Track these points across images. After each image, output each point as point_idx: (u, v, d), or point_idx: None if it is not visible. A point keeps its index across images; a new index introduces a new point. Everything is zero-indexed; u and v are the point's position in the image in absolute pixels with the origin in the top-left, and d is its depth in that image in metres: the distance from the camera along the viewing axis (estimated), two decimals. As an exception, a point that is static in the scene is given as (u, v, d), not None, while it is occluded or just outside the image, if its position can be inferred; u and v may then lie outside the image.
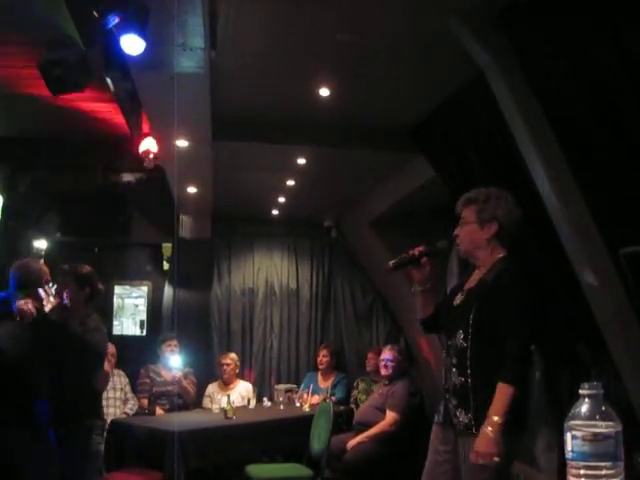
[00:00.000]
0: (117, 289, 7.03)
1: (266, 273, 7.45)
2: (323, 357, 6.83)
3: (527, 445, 4.73)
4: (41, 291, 3.25)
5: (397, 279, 5.68)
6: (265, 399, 6.47)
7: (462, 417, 2.52)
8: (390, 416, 5.44)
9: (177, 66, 3.31)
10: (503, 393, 2.38)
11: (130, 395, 5.93)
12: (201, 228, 7.03)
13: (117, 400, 5.80)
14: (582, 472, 1.32)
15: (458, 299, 2.71)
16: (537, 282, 2.77)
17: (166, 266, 7.20)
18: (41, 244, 6.30)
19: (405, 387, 5.61)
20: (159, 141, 4.62)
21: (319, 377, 6.84)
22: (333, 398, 6.27)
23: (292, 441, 5.55)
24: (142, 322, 7.03)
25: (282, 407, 6.25)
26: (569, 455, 1.34)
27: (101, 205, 6.31)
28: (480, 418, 2.44)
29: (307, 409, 6.02)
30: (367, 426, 5.49)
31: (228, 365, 6.42)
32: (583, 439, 1.31)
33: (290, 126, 4.61)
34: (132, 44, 2.82)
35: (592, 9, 2.60)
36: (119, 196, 6.38)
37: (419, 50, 3.47)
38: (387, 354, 5.78)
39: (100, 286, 3.75)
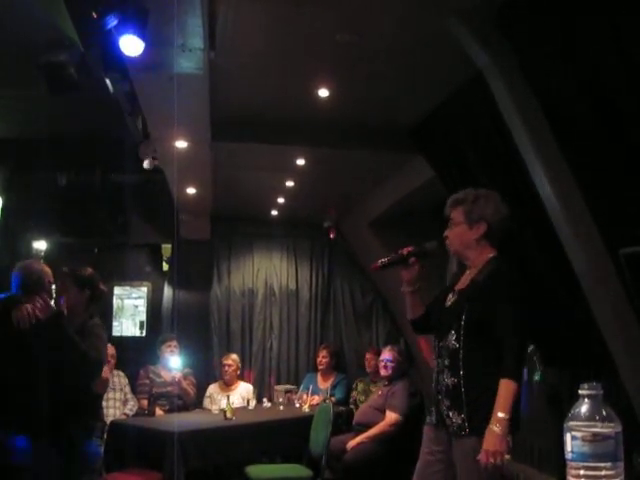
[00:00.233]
0: (117, 290, 7.04)
1: (266, 274, 7.45)
2: (323, 358, 6.83)
3: (527, 445, 4.73)
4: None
5: (397, 279, 5.67)
6: (265, 400, 6.48)
7: (455, 418, 2.53)
8: (390, 417, 5.44)
9: (176, 67, 3.31)
10: (507, 389, 2.38)
11: (130, 396, 5.93)
12: (201, 229, 7.03)
13: (117, 401, 5.80)
14: (582, 472, 1.32)
15: (449, 300, 2.73)
16: (527, 281, 2.78)
17: (166, 267, 7.20)
18: (41, 245, 6.30)
19: (405, 388, 5.60)
20: (159, 142, 4.62)
21: (319, 378, 6.84)
22: (333, 399, 6.27)
23: (292, 442, 5.54)
24: (142, 323, 7.04)
25: (282, 408, 6.24)
26: (569, 455, 1.35)
27: (101, 206, 6.30)
28: (473, 419, 2.45)
29: (307, 410, 6.02)
30: (367, 427, 5.49)
31: (230, 366, 6.42)
32: (583, 439, 1.32)
33: (289, 127, 4.61)
34: (131, 45, 2.82)
35: (592, 9, 2.60)
36: (119, 197, 6.38)
37: (418, 50, 3.47)
38: (387, 355, 5.78)
39: (102, 288, 3.72)
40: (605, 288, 3.04)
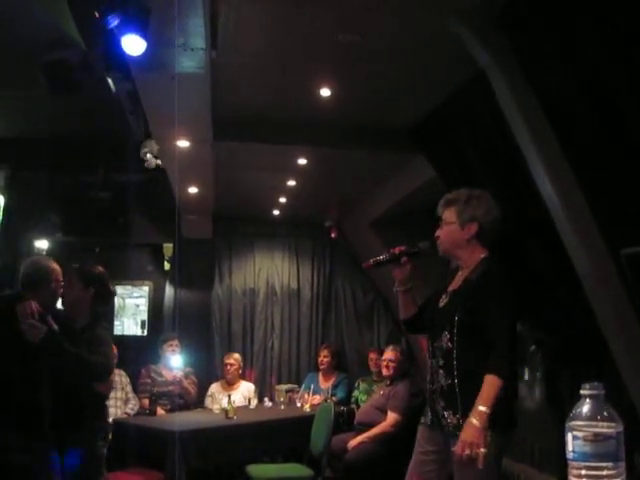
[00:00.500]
0: (118, 289, 7.02)
1: (267, 273, 7.45)
2: (324, 357, 6.83)
3: (528, 445, 4.73)
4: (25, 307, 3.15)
5: (414, 277, 5.67)
6: (266, 399, 6.49)
7: (450, 418, 2.55)
8: (391, 417, 5.44)
9: (178, 66, 3.30)
10: (490, 384, 2.40)
11: (131, 395, 5.93)
12: (202, 228, 7.03)
13: (118, 400, 5.80)
14: (583, 472, 1.32)
15: (442, 301, 2.75)
16: (528, 280, 2.80)
17: (167, 266, 7.21)
18: (42, 244, 6.31)
19: (407, 388, 5.61)
20: (160, 141, 4.62)
21: (320, 377, 6.84)
22: (334, 398, 6.28)
23: (293, 441, 5.55)
24: (143, 322, 7.04)
25: (283, 407, 6.25)
26: (570, 455, 1.35)
27: (102, 205, 6.31)
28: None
29: (308, 409, 6.03)
30: (368, 426, 5.50)
31: (232, 365, 6.43)
32: (584, 439, 1.32)
33: (291, 126, 4.61)
34: (133, 44, 2.82)
35: (592, 9, 2.60)
36: (120, 196, 6.39)
37: (419, 50, 3.47)
38: (389, 354, 5.79)
39: (111, 288, 3.69)
40: (606, 288, 3.04)
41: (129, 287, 7.10)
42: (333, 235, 7.22)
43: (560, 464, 3.80)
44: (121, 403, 5.84)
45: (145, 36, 2.78)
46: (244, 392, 6.41)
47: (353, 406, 6.34)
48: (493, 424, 2.38)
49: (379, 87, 4.00)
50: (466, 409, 2.46)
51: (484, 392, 2.39)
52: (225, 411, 5.46)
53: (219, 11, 3.15)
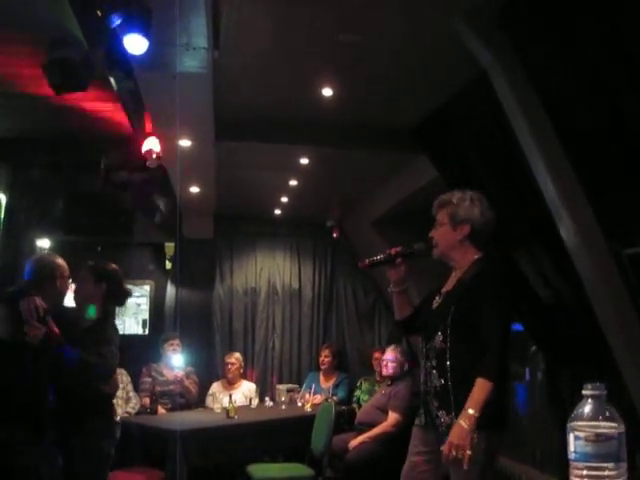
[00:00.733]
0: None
1: (268, 273, 7.45)
2: (325, 357, 6.83)
3: (529, 445, 4.73)
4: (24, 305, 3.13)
5: (408, 278, 5.67)
6: (267, 399, 6.49)
7: (444, 418, 2.56)
8: (392, 417, 5.44)
9: (180, 66, 3.30)
10: (481, 388, 2.41)
11: (132, 394, 5.93)
12: (204, 228, 7.04)
13: (119, 399, 5.80)
14: (585, 473, 1.32)
15: (436, 302, 2.76)
16: (511, 281, 2.82)
17: (169, 265, 7.20)
18: (44, 243, 6.31)
19: (408, 388, 5.60)
20: (162, 141, 4.62)
21: (321, 377, 6.84)
22: (335, 398, 6.27)
23: (294, 441, 5.55)
24: (144, 321, 7.04)
25: (284, 407, 6.26)
26: (572, 456, 1.35)
27: (104, 204, 6.30)
28: None
29: (309, 409, 6.03)
30: (369, 426, 5.50)
31: (233, 364, 6.43)
32: (586, 440, 1.32)
33: (293, 126, 4.61)
34: (135, 43, 2.82)
35: (593, 8, 2.60)
36: (122, 195, 6.38)
37: (421, 50, 3.47)
38: (389, 354, 5.79)
39: (123, 286, 3.64)
40: (608, 288, 3.04)
41: (130, 286, 7.06)
42: (335, 235, 7.21)
43: (561, 465, 3.80)
44: (122, 402, 5.83)
45: (147, 35, 2.78)
46: (245, 391, 6.41)
47: (354, 406, 6.34)
48: (483, 425, 2.39)
49: (381, 87, 4.00)
50: (459, 409, 2.47)
51: (474, 395, 2.41)
52: (226, 410, 5.47)
53: (221, 11, 3.15)
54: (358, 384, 6.61)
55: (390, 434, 5.37)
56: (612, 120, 2.75)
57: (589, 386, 1.36)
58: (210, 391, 6.45)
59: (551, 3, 2.80)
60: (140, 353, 6.34)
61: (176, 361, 6.01)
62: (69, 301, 3.72)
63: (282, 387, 6.71)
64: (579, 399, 1.38)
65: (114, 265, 3.66)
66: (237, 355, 6.57)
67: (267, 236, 7.49)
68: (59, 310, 3.39)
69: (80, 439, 3.27)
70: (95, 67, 3.34)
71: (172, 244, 7.02)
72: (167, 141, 4.58)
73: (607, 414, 1.33)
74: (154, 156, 4.89)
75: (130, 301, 7.00)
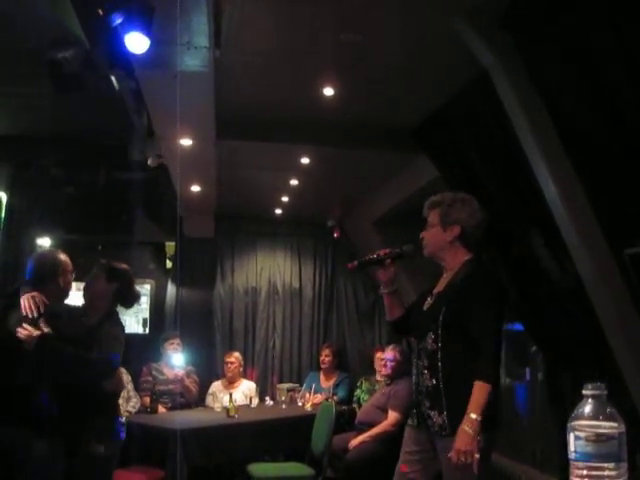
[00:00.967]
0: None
1: (269, 272, 7.45)
2: (325, 356, 6.83)
3: (529, 446, 4.73)
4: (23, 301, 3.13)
5: (399, 278, 5.67)
6: (267, 398, 6.49)
7: (436, 418, 2.58)
8: (392, 416, 5.44)
9: (181, 65, 3.31)
10: (480, 391, 2.43)
11: (132, 393, 5.93)
12: (204, 227, 7.04)
13: (120, 398, 5.80)
14: (585, 472, 1.32)
15: (427, 303, 2.78)
16: (501, 282, 2.83)
17: (169, 264, 7.21)
18: (44, 242, 6.31)
19: (407, 387, 5.58)
20: (163, 140, 4.62)
21: (321, 376, 6.84)
22: (335, 398, 6.27)
23: (294, 440, 5.55)
24: (145, 320, 7.04)
25: (284, 406, 6.26)
26: (572, 455, 1.35)
27: (104, 203, 6.31)
28: (453, 419, 2.49)
29: (309, 408, 6.03)
30: (369, 426, 5.49)
31: (232, 364, 6.43)
32: (586, 439, 1.31)
33: (294, 125, 4.61)
34: (136, 42, 2.82)
35: (594, 9, 2.60)
36: (123, 194, 6.39)
37: (422, 50, 3.47)
38: (388, 354, 5.79)
39: (134, 288, 3.64)
40: (608, 288, 3.04)
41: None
42: (335, 235, 7.22)
43: (562, 464, 3.80)
44: (122, 401, 5.82)
45: (149, 34, 2.78)
46: (245, 390, 6.41)
47: (354, 405, 6.33)
48: (491, 427, 2.43)
49: (382, 87, 4.00)
50: (451, 409, 2.50)
51: (474, 399, 2.42)
52: (226, 410, 5.47)
53: (222, 10, 3.15)
54: (358, 384, 6.60)
55: (390, 433, 5.36)
56: (613, 120, 2.75)
57: (589, 386, 1.36)
58: (210, 390, 6.45)
59: (553, 4, 2.80)
60: (140, 352, 6.33)
61: (176, 360, 6.01)
62: (75, 299, 3.71)
63: (282, 386, 6.71)
64: (579, 399, 1.38)
65: (126, 266, 3.65)
66: (236, 354, 6.57)
67: (268, 235, 7.49)
68: (61, 308, 3.38)
69: (84, 439, 3.25)
70: (96, 66, 3.33)
71: (173, 243, 7.02)
72: (168, 140, 4.58)
73: (608, 414, 1.33)
74: (155, 155, 4.89)
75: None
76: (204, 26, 3.01)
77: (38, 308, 3.10)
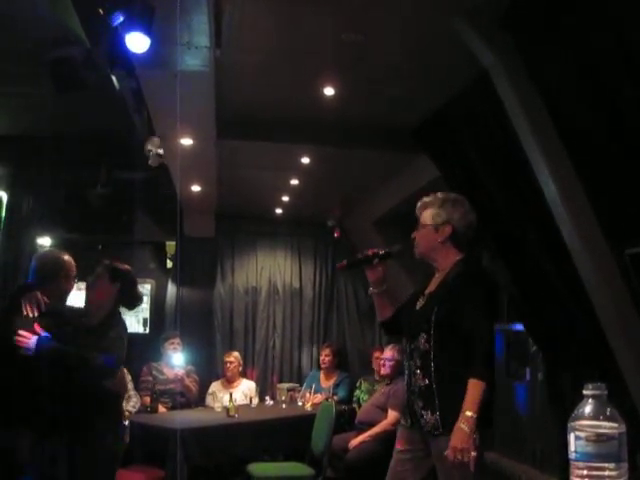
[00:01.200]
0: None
1: (269, 272, 7.46)
2: (325, 356, 6.83)
3: (529, 446, 4.73)
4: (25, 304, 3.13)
5: (398, 278, 5.67)
6: (267, 398, 6.49)
7: (428, 418, 2.58)
8: (392, 415, 5.43)
9: (182, 64, 3.31)
10: (475, 389, 2.44)
11: (132, 393, 5.92)
12: (205, 226, 7.04)
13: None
14: (585, 473, 1.32)
15: (419, 303, 2.78)
16: (493, 282, 2.85)
17: (169, 264, 7.21)
18: (45, 241, 6.31)
19: (407, 387, 5.60)
20: (163, 139, 4.62)
21: (321, 376, 6.84)
22: (335, 397, 6.27)
23: (294, 440, 5.55)
24: (145, 320, 7.04)
25: (284, 406, 6.26)
26: (572, 455, 1.34)
27: (105, 203, 6.31)
28: (446, 418, 2.50)
29: (309, 408, 6.03)
30: (369, 425, 5.49)
31: (231, 363, 6.44)
32: (587, 439, 1.31)
33: (294, 125, 4.61)
34: (137, 42, 2.82)
35: (595, 9, 2.60)
36: (123, 194, 6.39)
37: (423, 50, 3.47)
38: (387, 354, 5.79)
39: (137, 289, 3.65)
40: (609, 288, 3.04)
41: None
42: (336, 235, 7.22)
43: (562, 465, 3.80)
44: (123, 401, 5.84)
45: (149, 34, 2.78)
46: (245, 390, 6.41)
47: (354, 405, 6.34)
48: (484, 426, 2.43)
49: (382, 86, 4.00)
50: (444, 409, 2.51)
51: (469, 397, 2.43)
52: (226, 409, 5.47)
53: (223, 9, 3.15)
54: (357, 384, 6.60)
55: (390, 433, 5.34)
56: (613, 120, 2.75)
57: (590, 386, 1.36)
58: (210, 390, 6.45)
59: (554, 4, 2.80)
60: (141, 352, 6.33)
61: (176, 360, 6.01)
62: (77, 298, 3.71)
63: (282, 386, 6.71)
64: (580, 399, 1.38)
65: (129, 267, 3.64)
66: (235, 354, 6.58)
67: (268, 235, 7.49)
68: (62, 308, 3.38)
69: (87, 440, 3.24)
70: (97, 66, 3.34)
71: (173, 243, 7.03)
72: (168, 140, 4.58)
73: (608, 414, 1.33)
74: (155, 155, 4.89)
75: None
76: (204, 26, 3.01)
77: (39, 307, 3.11)
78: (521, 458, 4.81)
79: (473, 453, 2.36)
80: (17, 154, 5.86)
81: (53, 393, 3.15)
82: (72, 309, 3.57)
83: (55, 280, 3.31)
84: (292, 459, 5.42)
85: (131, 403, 5.84)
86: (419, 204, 2.87)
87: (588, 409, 1.34)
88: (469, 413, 2.40)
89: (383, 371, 5.77)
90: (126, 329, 3.53)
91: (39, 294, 3.14)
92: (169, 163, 5.07)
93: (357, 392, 6.50)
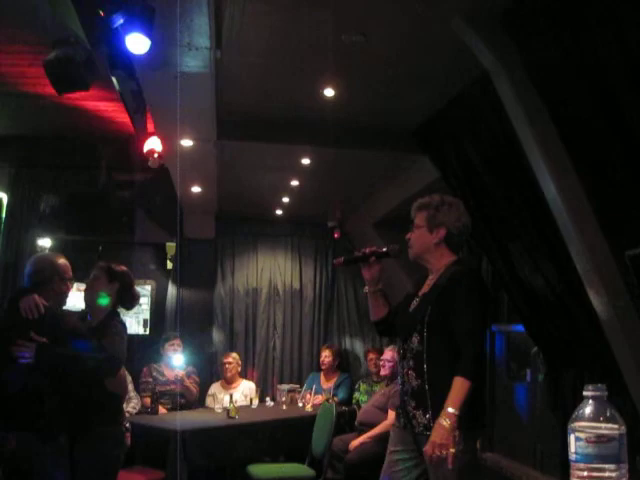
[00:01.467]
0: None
1: (270, 273, 7.46)
2: (325, 357, 6.84)
3: (530, 447, 4.73)
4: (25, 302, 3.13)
5: (398, 279, 5.67)
6: (268, 399, 6.50)
7: (421, 418, 2.60)
8: (392, 416, 5.43)
9: (182, 65, 3.31)
10: (459, 386, 2.45)
11: (133, 394, 5.92)
12: (205, 227, 7.04)
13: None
14: (586, 474, 1.32)
15: (413, 305, 2.80)
16: (484, 283, 2.86)
17: (170, 265, 7.20)
18: (45, 242, 6.31)
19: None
20: (164, 140, 4.63)
21: (322, 377, 6.85)
22: (336, 399, 6.27)
23: (294, 441, 5.55)
24: (145, 321, 7.04)
25: (285, 407, 6.26)
26: (573, 457, 1.35)
27: (105, 204, 6.31)
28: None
29: (309, 409, 6.03)
30: (369, 426, 5.49)
31: (230, 364, 6.44)
32: (587, 441, 1.32)
33: (294, 126, 4.61)
34: (137, 43, 2.82)
35: (596, 10, 2.60)
36: (123, 195, 6.39)
37: (423, 50, 3.47)
38: (387, 355, 5.79)
39: (134, 290, 3.65)
40: (609, 289, 3.04)
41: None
42: (336, 236, 7.22)
43: (562, 466, 3.80)
44: (123, 402, 5.83)
45: (149, 35, 2.78)
46: (245, 391, 6.42)
47: (354, 407, 6.33)
48: (462, 425, 2.42)
49: (383, 88, 4.00)
50: (436, 409, 2.51)
51: (453, 394, 2.44)
52: (227, 410, 5.47)
53: (224, 10, 3.15)
54: (356, 386, 6.60)
55: (391, 434, 5.36)
56: (613, 120, 2.75)
57: (590, 387, 1.36)
58: (210, 392, 6.46)
59: (554, 5, 2.80)
60: (141, 353, 6.34)
61: (177, 361, 6.01)
62: (76, 300, 3.71)
63: (283, 387, 6.71)
64: (580, 400, 1.37)
65: (125, 267, 3.66)
66: (234, 355, 6.58)
67: (268, 236, 7.50)
68: (58, 311, 3.38)
69: (88, 443, 3.24)
70: (97, 67, 3.34)
71: (173, 244, 7.02)
72: (169, 141, 4.58)
73: (608, 415, 1.33)
74: (156, 156, 4.89)
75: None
76: (205, 27, 3.01)
77: (38, 310, 3.11)
78: (522, 459, 4.81)
79: (452, 450, 2.36)
80: (18, 155, 5.87)
81: (54, 396, 3.15)
82: (71, 312, 3.58)
83: (50, 283, 3.31)
84: (292, 460, 5.43)
85: (131, 404, 5.84)
86: (415, 205, 2.89)
87: (588, 410, 1.34)
88: (451, 410, 2.41)
89: (383, 372, 5.77)
90: (126, 328, 3.53)
91: (37, 297, 3.14)
92: (169, 164, 5.07)
93: (356, 394, 6.50)
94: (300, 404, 6.32)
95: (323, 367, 6.86)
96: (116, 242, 6.70)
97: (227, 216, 7.08)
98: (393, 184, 5.57)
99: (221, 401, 5.98)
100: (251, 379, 6.87)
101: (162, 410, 5.70)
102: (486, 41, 3.13)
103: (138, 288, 3.79)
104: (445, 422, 2.39)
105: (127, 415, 5.51)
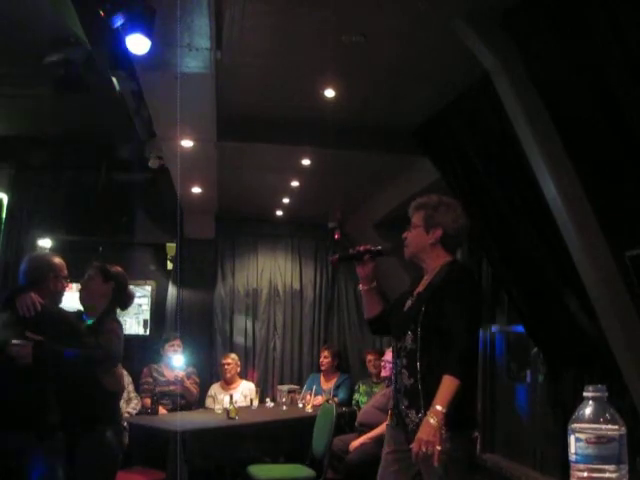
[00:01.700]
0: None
1: (270, 274, 7.45)
2: (324, 358, 6.84)
3: (530, 447, 4.73)
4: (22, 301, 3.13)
5: (398, 280, 5.67)
6: (268, 399, 6.49)
7: (413, 417, 2.61)
8: (393, 417, 5.43)
9: (183, 66, 3.31)
10: (447, 385, 2.45)
11: (133, 395, 5.93)
12: (205, 228, 7.04)
13: (120, 400, 5.80)
14: (586, 474, 1.32)
15: (408, 304, 2.80)
16: (478, 284, 2.88)
17: (170, 266, 7.20)
18: (45, 243, 6.31)
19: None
20: (164, 141, 4.63)
21: (322, 378, 6.85)
22: (336, 399, 6.27)
23: (294, 442, 5.55)
24: (145, 321, 7.04)
25: (285, 408, 6.25)
26: (573, 457, 1.34)
27: (105, 204, 6.32)
28: None
29: (310, 410, 6.03)
30: (370, 427, 5.49)
31: (229, 365, 6.44)
32: (587, 441, 1.31)
33: (295, 127, 4.61)
34: (138, 44, 2.82)
35: (596, 9, 2.60)
36: (123, 195, 6.39)
37: (423, 51, 3.47)
38: (387, 356, 5.78)
39: (128, 289, 3.68)
40: (609, 290, 3.04)
41: (131, 286, 7.05)
42: (336, 237, 7.21)
43: (562, 466, 3.80)
44: (123, 403, 5.83)
45: (150, 36, 2.78)
46: (244, 391, 6.42)
47: (355, 407, 6.33)
48: (449, 425, 2.42)
49: (383, 88, 4.00)
50: (429, 408, 2.50)
51: (441, 392, 2.44)
52: (227, 411, 5.47)
53: (224, 11, 3.15)
54: (356, 387, 6.60)
55: (391, 435, 5.36)
56: (614, 120, 2.75)
57: (590, 388, 1.36)
58: (209, 393, 6.46)
59: (555, 5, 2.80)
60: (141, 354, 6.34)
61: (177, 361, 6.02)
62: (70, 301, 3.71)
63: (283, 388, 6.71)
64: (580, 401, 1.37)
65: (119, 268, 3.68)
66: (233, 355, 6.59)
67: (268, 237, 7.50)
68: (55, 310, 3.37)
69: (86, 442, 3.24)
70: (97, 67, 3.34)
71: (173, 244, 7.02)
72: (169, 141, 4.58)
73: (608, 416, 1.33)
74: (156, 156, 4.90)
75: (131, 301, 7.05)
76: (205, 28, 3.01)
77: (35, 307, 3.11)
78: (522, 460, 4.81)
79: (438, 447, 2.36)
80: (18, 155, 5.87)
81: (51, 394, 3.15)
82: (67, 311, 3.58)
83: (46, 281, 3.32)
84: (293, 461, 5.42)
85: (131, 405, 5.84)
86: (412, 204, 2.89)
87: (588, 411, 1.34)
88: (439, 407, 2.41)
89: (384, 373, 5.77)
90: (122, 327, 3.55)
91: (33, 295, 3.14)
92: (169, 165, 5.07)
93: (356, 395, 6.49)
94: (300, 405, 6.32)
95: (322, 368, 6.86)
96: (116, 242, 6.71)
97: (227, 216, 7.08)
98: (393, 185, 5.57)
99: (221, 402, 5.98)
100: (251, 380, 6.87)
101: (162, 411, 5.70)
102: (486, 41, 3.12)
103: (138, 288, 3.80)
104: (432, 420, 2.40)
105: (127, 415, 5.53)
